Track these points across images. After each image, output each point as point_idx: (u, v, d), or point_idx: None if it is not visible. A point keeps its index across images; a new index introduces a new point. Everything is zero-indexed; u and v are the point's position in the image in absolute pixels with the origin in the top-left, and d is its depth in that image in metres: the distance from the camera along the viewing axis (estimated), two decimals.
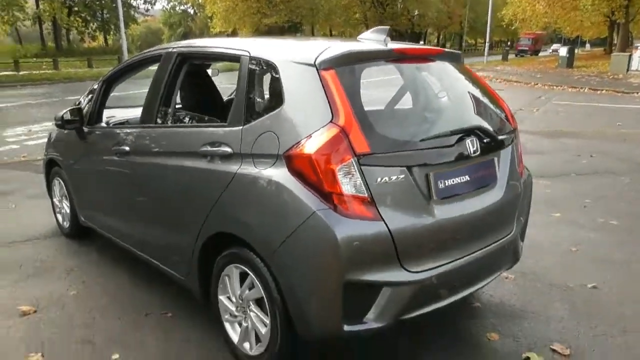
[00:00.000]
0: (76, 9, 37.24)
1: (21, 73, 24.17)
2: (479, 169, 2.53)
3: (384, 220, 2.15)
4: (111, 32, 39.16)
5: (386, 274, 2.18)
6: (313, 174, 2.13)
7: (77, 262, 3.93)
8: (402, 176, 2.21)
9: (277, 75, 2.42)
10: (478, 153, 2.47)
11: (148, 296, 3.36)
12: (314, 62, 2.31)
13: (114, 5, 39.13)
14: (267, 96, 2.50)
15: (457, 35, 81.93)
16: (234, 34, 55.36)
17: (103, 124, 3.83)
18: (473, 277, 2.57)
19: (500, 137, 2.69)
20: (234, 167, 2.45)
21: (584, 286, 3.53)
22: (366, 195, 2.13)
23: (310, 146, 2.15)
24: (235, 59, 2.70)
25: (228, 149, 2.50)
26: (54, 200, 4.59)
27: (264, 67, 2.52)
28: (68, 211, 4.32)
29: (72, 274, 3.72)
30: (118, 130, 3.51)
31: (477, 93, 2.85)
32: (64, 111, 3.77)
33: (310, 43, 2.95)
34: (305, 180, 2.15)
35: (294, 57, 2.43)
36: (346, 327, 2.17)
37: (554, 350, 2.78)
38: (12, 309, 3.18)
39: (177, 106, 3.25)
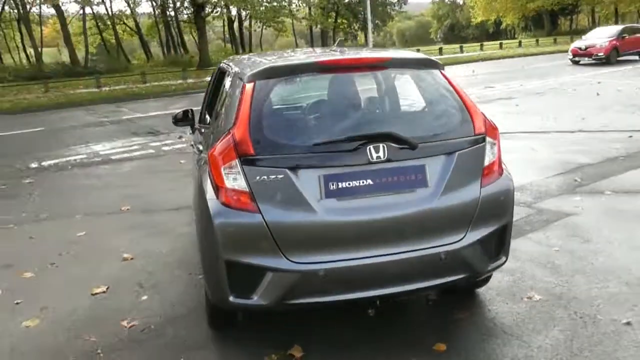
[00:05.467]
0: (342, 12, 41.60)
1: None
2: (390, 174, 2.58)
3: (261, 213, 2.49)
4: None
5: (268, 260, 2.52)
6: (211, 170, 2.61)
7: (191, 229, 5.05)
8: (282, 176, 2.49)
9: (236, 87, 2.92)
10: (383, 159, 2.53)
11: None
12: (244, 76, 2.75)
13: (377, 4, 42.13)
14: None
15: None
16: (497, 22, 53.16)
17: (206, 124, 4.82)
18: (384, 280, 2.63)
19: (432, 143, 2.65)
20: (200, 161, 3.07)
21: (615, 321, 3.01)
22: (246, 190, 2.51)
23: (213, 148, 2.63)
24: (232, 73, 3.26)
25: (201, 147, 3.13)
26: None
27: (236, 81, 3.03)
28: None
29: (180, 237, 4.83)
30: (201, 128, 4.44)
31: (427, 100, 2.81)
32: (178, 111, 4.89)
33: (280, 56, 3.27)
34: (210, 175, 2.65)
35: (245, 71, 2.88)
36: (232, 299, 2.60)
37: None
38: (118, 257, 4.42)
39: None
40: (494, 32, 56.84)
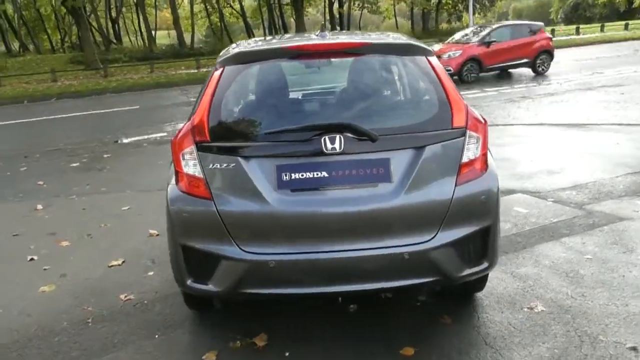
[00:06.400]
0: None
1: None
2: (348, 167, 2.45)
3: (213, 201, 2.49)
4: (475, 12, 39.79)
5: (221, 247, 2.52)
6: (172, 155, 2.65)
7: None
8: (233, 164, 2.46)
9: (210, 73, 2.92)
10: (338, 150, 2.41)
11: None
12: (216, 63, 2.74)
13: None
14: None
15: None
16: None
17: None
18: (341, 277, 2.52)
19: (399, 136, 2.48)
20: None
21: (618, 345, 2.65)
22: (201, 177, 2.51)
23: (177, 134, 2.66)
24: None
25: None
26: None
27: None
28: None
29: None
30: None
31: (403, 89, 2.62)
32: None
33: (264, 42, 3.18)
34: (173, 159, 2.69)
35: (220, 57, 2.87)
36: (189, 283, 2.64)
37: None
38: (145, 232, 4.66)
39: None
40: (625, 11, 51.17)
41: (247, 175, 2.46)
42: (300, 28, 31.46)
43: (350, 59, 2.74)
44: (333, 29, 38.64)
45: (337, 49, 2.73)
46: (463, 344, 2.73)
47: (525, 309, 3.02)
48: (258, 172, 2.46)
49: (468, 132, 2.55)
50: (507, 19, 71.64)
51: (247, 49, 2.75)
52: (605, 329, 2.79)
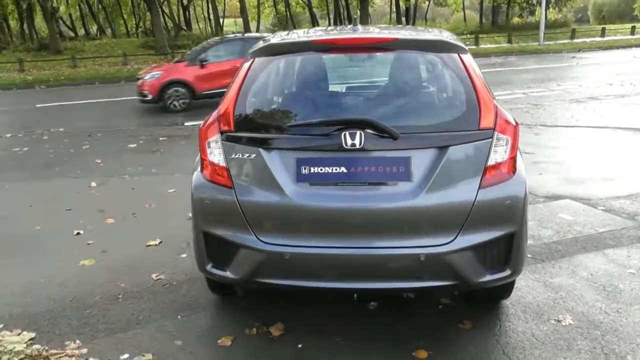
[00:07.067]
0: None
1: None
2: (367, 163, 2.42)
3: (234, 190, 2.53)
4: (549, 6, 37.64)
5: (240, 236, 2.57)
6: (200, 142, 2.71)
7: None
8: (255, 155, 2.49)
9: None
10: (358, 147, 2.38)
11: None
12: (248, 54, 2.78)
13: None
14: None
15: None
16: None
17: None
18: (356, 274, 2.51)
19: (422, 135, 2.42)
20: None
21: None
22: (224, 166, 2.56)
23: (204, 121, 2.72)
24: None
25: None
26: None
27: None
28: None
29: None
30: None
31: (430, 87, 2.54)
32: None
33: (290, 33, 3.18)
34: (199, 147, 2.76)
35: (252, 48, 2.91)
36: (208, 268, 2.71)
37: None
38: (186, 215, 4.79)
39: None
40: None
41: (267, 166, 2.49)
42: (364, 19, 31.19)
43: (379, 54, 2.70)
44: (399, 21, 38.05)
45: (367, 44, 2.69)
46: (479, 351, 2.65)
47: (552, 321, 2.89)
48: (278, 164, 2.49)
49: (496, 133, 2.45)
50: (585, 14, 67.46)
51: (277, 42, 2.77)
52: (635, 349, 2.63)
